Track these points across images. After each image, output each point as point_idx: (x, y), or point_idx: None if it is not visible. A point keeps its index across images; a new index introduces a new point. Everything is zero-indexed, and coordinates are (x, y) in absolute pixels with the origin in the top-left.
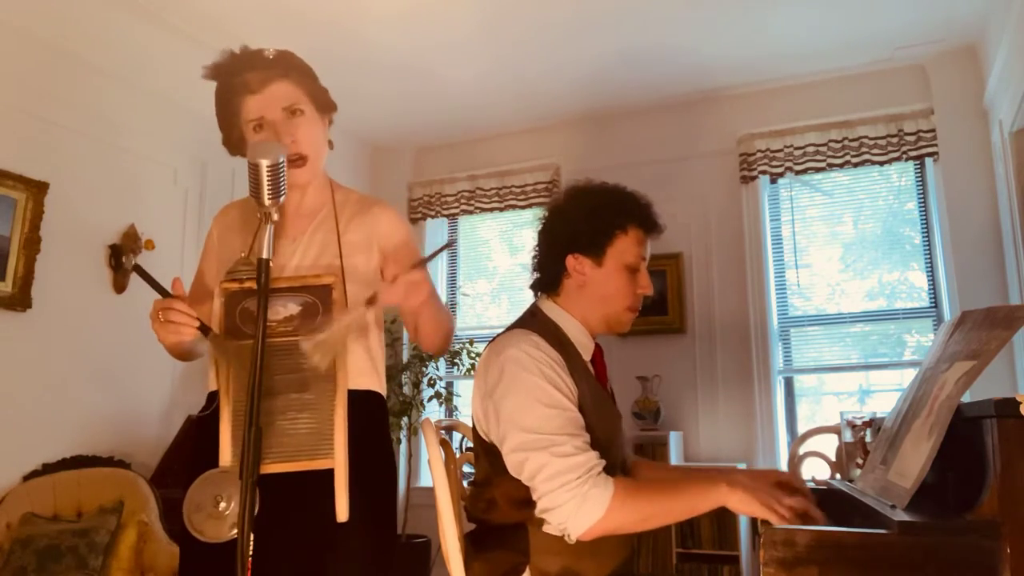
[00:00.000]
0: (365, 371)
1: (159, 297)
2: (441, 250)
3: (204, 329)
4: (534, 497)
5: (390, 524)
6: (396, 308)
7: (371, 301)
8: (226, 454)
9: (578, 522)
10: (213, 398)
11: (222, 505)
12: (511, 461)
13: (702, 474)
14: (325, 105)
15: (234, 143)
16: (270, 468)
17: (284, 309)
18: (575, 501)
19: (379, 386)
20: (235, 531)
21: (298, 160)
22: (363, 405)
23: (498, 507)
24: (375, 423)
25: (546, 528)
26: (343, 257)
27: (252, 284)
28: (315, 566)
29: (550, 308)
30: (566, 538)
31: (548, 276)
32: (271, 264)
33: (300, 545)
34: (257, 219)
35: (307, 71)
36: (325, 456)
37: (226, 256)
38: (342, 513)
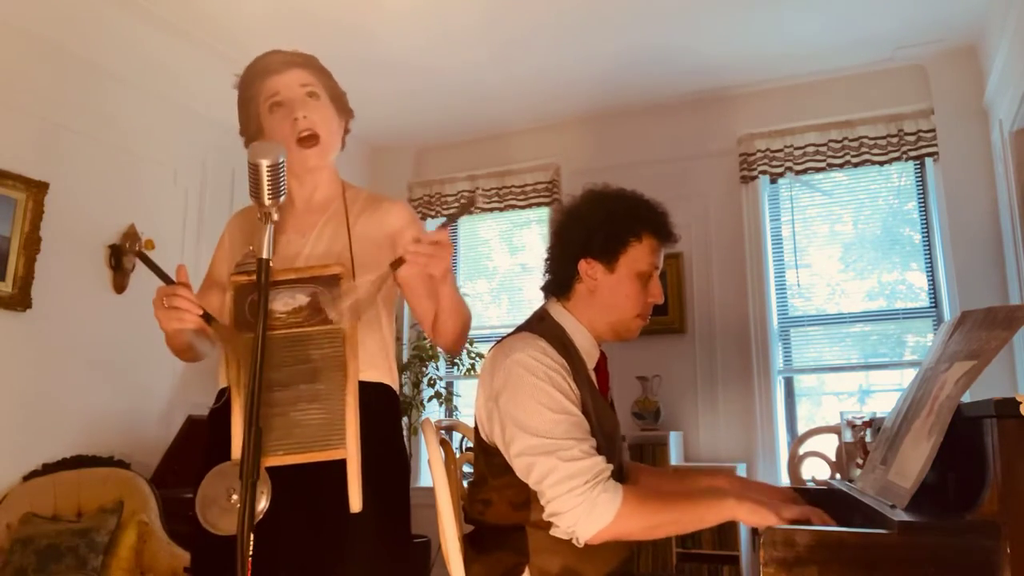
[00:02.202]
0: (376, 363)
1: (162, 285)
2: (463, 211)
3: (207, 317)
4: (542, 502)
5: (403, 515)
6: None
7: (396, 264)
8: (237, 445)
9: (588, 527)
10: (223, 395)
11: (235, 498)
12: (518, 465)
13: (705, 482)
14: (341, 104)
15: (252, 133)
16: (282, 460)
17: (293, 300)
18: (585, 506)
19: (390, 379)
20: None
21: (310, 139)
22: (374, 396)
23: (495, 509)
24: (386, 414)
25: (554, 532)
26: (353, 248)
27: None
28: (328, 557)
29: (559, 313)
30: (574, 542)
31: (559, 279)
32: (281, 257)
33: (313, 537)
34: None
35: (327, 72)
36: (337, 446)
37: (239, 258)
38: (355, 503)
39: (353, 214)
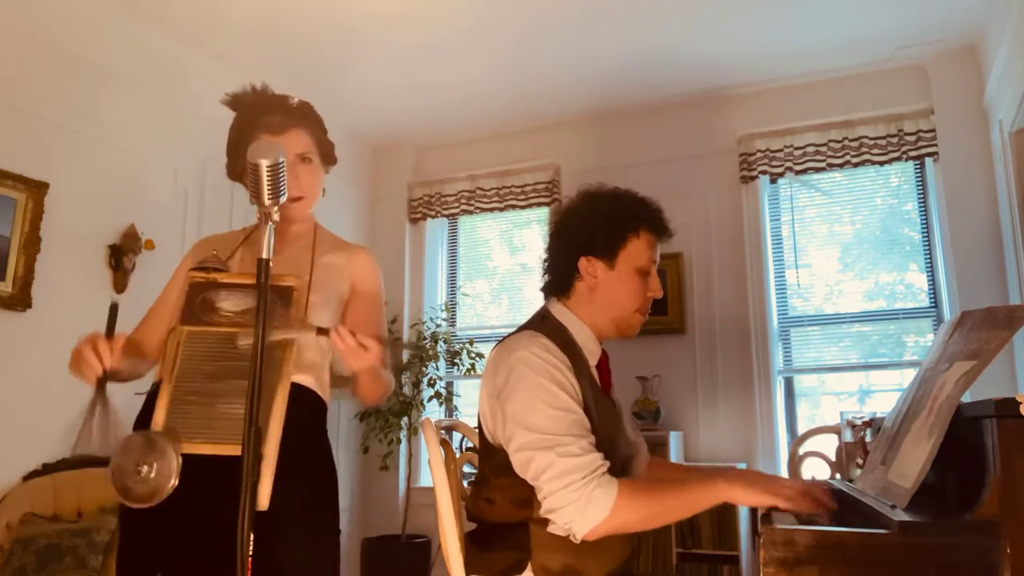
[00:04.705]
0: (314, 371)
1: (92, 332)
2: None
3: (102, 382)
4: (539, 497)
5: (324, 514)
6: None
7: (321, 332)
8: (159, 420)
9: (583, 522)
10: (157, 385)
11: (145, 469)
12: (517, 460)
13: (702, 472)
14: (328, 157)
15: (238, 171)
16: (199, 448)
17: (243, 302)
18: (580, 502)
19: (321, 391)
20: (157, 496)
21: (297, 200)
22: (304, 400)
23: (499, 506)
24: (312, 419)
25: (551, 528)
26: (313, 272)
27: (217, 276)
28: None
29: (560, 311)
30: (571, 538)
31: (559, 278)
32: (249, 267)
33: (221, 528)
34: (240, 238)
35: (320, 123)
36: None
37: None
38: (263, 501)
39: (321, 248)
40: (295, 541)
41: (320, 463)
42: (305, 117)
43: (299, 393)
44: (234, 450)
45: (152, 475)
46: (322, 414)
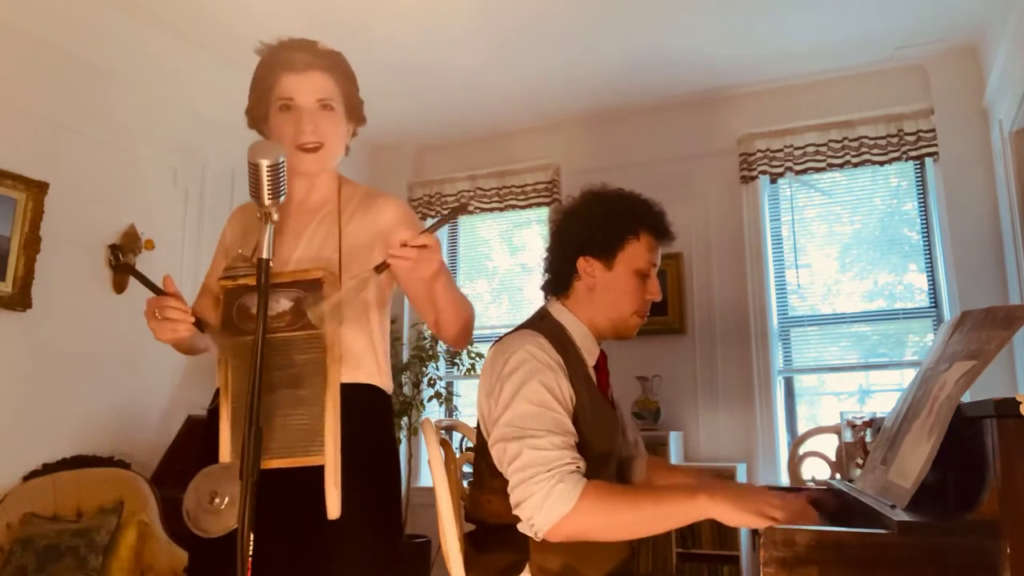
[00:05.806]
0: (363, 364)
1: (152, 296)
2: (451, 217)
3: (199, 324)
4: (508, 489)
5: (391, 520)
6: (403, 293)
7: (380, 268)
8: (225, 450)
9: (543, 518)
10: (218, 394)
11: (217, 500)
12: (494, 453)
13: (686, 483)
14: (355, 113)
15: (256, 117)
16: (264, 464)
17: (277, 305)
18: (540, 496)
19: (378, 379)
20: (231, 525)
21: (314, 147)
22: (360, 399)
23: (496, 507)
24: (373, 416)
25: (520, 527)
26: (342, 250)
27: (248, 281)
28: (309, 564)
29: (558, 311)
30: (534, 536)
31: (559, 278)
32: (274, 260)
33: (294, 543)
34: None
35: (351, 76)
36: (317, 452)
37: (233, 255)
38: (332, 510)
39: (346, 215)
40: (360, 548)
41: (385, 466)
42: (333, 63)
43: (354, 393)
44: (302, 461)
45: (224, 505)
46: (384, 408)
